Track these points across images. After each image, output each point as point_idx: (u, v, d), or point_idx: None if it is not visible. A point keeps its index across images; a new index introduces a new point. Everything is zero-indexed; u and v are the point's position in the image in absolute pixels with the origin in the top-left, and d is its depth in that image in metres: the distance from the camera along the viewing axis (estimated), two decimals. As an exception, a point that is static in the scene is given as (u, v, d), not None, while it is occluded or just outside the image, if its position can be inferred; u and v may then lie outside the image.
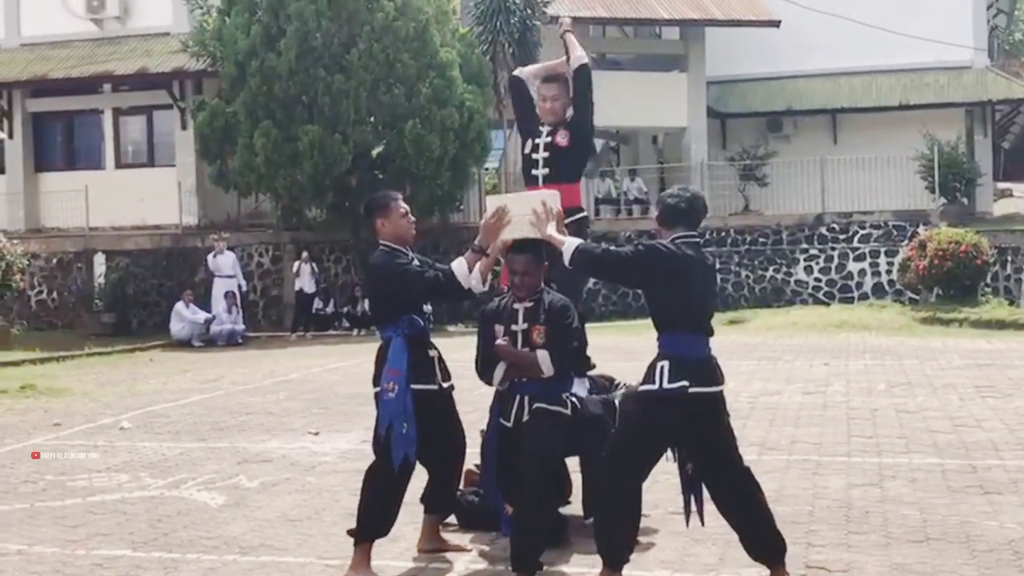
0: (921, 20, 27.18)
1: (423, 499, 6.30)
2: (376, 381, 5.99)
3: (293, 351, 19.59)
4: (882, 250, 24.46)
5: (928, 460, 8.54)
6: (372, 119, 23.08)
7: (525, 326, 6.03)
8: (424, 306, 6.15)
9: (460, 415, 6.26)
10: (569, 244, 5.59)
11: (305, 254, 23.54)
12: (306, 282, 23.30)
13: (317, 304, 23.61)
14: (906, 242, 23.47)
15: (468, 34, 24.95)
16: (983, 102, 28.47)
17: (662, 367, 5.29)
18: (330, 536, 6.74)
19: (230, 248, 23.38)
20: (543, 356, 5.92)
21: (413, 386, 5.85)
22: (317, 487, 8.15)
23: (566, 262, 5.61)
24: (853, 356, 15.94)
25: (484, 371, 6.13)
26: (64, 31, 27.64)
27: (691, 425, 5.33)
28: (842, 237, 24.74)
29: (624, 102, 27.55)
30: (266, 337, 22.71)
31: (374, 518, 5.91)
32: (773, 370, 14.42)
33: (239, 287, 22.92)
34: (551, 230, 5.74)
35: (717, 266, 24.97)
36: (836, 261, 24.80)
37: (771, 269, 25.04)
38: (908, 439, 9.38)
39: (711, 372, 5.37)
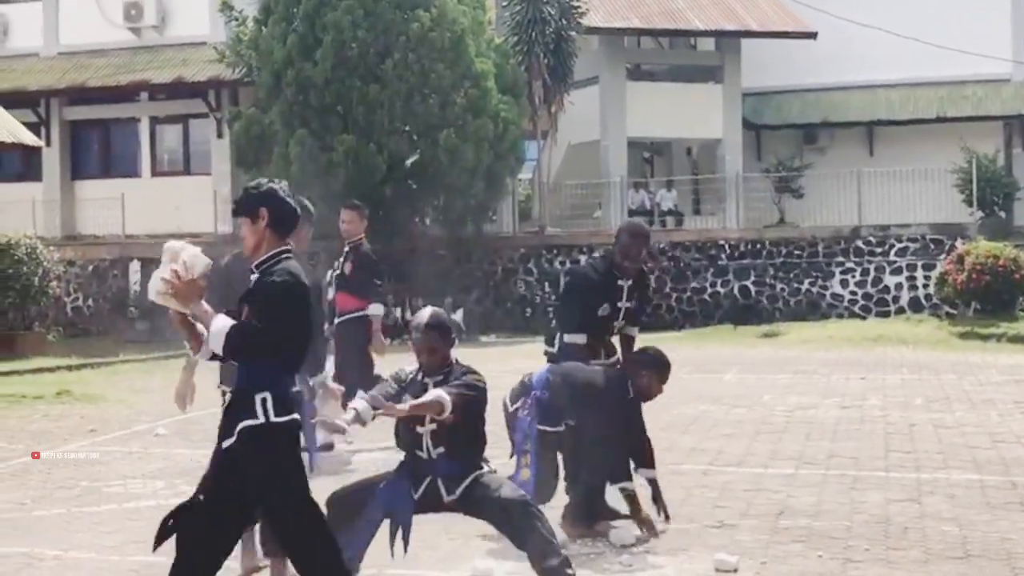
0: (959, 32, 26.94)
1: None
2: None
3: (326, 360, 19.57)
4: (919, 264, 24.24)
5: (967, 476, 8.45)
6: (407, 129, 23.11)
7: None
8: None
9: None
10: None
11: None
12: (339, 291, 23.29)
13: (350, 313, 23.59)
14: (944, 256, 23.25)
15: (503, 44, 24.93)
16: (1021, 115, 28.24)
17: None
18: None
19: (264, 257, 23.37)
20: (437, 393, 5.42)
21: None
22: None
23: None
24: (890, 370, 15.80)
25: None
26: (101, 40, 27.79)
27: None
28: (879, 250, 24.52)
29: (659, 113, 27.58)
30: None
31: None
32: (809, 384, 14.32)
33: (273, 295, 22.89)
34: None
35: (751, 278, 24.83)
36: (872, 274, 24.58)
37: (807, 282, 24.84)
38: (946, 454, 9.28)
39: None
